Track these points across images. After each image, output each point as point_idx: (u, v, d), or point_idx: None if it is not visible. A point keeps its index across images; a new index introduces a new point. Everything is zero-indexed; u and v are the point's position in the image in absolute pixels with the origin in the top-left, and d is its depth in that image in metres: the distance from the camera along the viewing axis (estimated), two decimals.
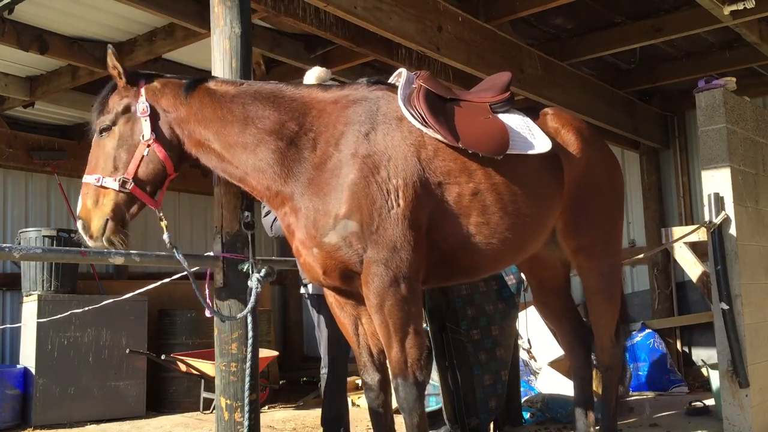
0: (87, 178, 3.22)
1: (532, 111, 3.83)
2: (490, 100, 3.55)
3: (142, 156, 3.20)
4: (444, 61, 5.71)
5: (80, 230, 3.21)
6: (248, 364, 3.37)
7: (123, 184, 3.16)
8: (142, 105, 3.24)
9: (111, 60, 3.27)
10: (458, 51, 5.51)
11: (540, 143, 3.50)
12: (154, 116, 3.24)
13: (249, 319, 3.37)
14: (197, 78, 3.37)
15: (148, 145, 3.21)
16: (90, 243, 3.18)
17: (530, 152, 3.45)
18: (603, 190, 3.93)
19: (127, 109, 3.26)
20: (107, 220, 3.14)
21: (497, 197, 3.30)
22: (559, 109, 4.08)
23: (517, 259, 3.79)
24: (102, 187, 3.17)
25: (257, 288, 3.36)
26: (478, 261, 3.41)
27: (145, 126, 3.22)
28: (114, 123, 3.26)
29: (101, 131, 3.26)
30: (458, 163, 3.24)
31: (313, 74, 4.42)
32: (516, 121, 3.54)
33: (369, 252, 3.02)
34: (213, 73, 3.63)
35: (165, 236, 3.28)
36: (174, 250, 3.29)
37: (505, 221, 3.32)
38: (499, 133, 3.36)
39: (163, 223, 3.29)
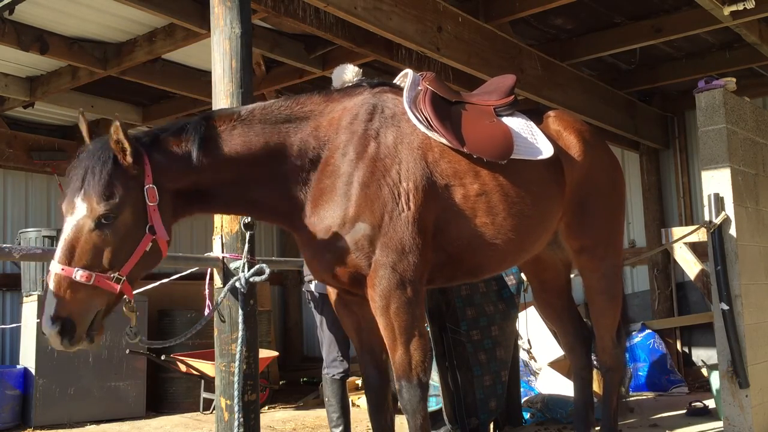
0: (74, 273, 2.60)
1: (535, 113, 3.85)
2: (495, 104, 3.57)
3: (144, 251, 2.75)
4: (444, 62, 5.71)
5: (54, 333, 2.56)
6: (237, 363, 3.35)
7: (117, 282, 2.68)
8: (151, 190, 2.74)
9: (117, 133, 2.69)
10: (458, 51, 5.51)
11: (542, 148, 3.53)
12: (160, 198, 2.78)
13: (240, 319, 3.36)
14: (199, 126, 2.94)
15: (153, 240, 2.77)
16: (66, 347, 2.61)
17: (533, 158, 3.47)
18: (604, 192, 3.95)
19: (136, 197, 2.73)
20: (93, 321, 2.66)
21: (501, 198, 3.32)
22: (561, 111, 4.10)
23: (520, 259, 3.81)
24: (92, 286, 2.63)
25: (241, 289, 3.35)
26: (482, 261, 3.43)
27: (156, 218, 2.76)
28: (119, 213, 2.69)
29: (101, 221, 2.66)
30: (463, 164, 3.26)
31: (350, 73, 4.29)
32: (519, 125, 3.56)
33: (377, 254, 3.02)
34: (213, 74, 3.62)
35: (130, 329, 2.85)
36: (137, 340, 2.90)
37: (508, 222, 3.34)
38: (503, 138, 3.39)
39: (133, 314, 2.82)
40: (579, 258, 3.96)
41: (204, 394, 7.12)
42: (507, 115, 3.58)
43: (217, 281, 3.53)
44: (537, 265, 4.24)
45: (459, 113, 3.39)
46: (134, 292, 2.79)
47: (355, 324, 3.49)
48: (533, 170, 3.49)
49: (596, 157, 3.90)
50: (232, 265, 3.45)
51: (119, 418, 6.93)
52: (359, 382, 6.59)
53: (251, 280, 3.36)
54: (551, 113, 3.94)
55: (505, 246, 3.37)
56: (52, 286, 2.62)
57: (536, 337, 6.73)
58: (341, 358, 4.62)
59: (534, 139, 3.54)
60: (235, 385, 3.33)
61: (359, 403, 6.78)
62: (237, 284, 3.35)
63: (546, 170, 3.56)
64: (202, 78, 6.74)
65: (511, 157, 3.35)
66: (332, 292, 3.51)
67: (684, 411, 5.93)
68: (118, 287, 2.68)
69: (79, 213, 2.68)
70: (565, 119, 3.92)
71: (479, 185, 3.26)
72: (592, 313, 4.15)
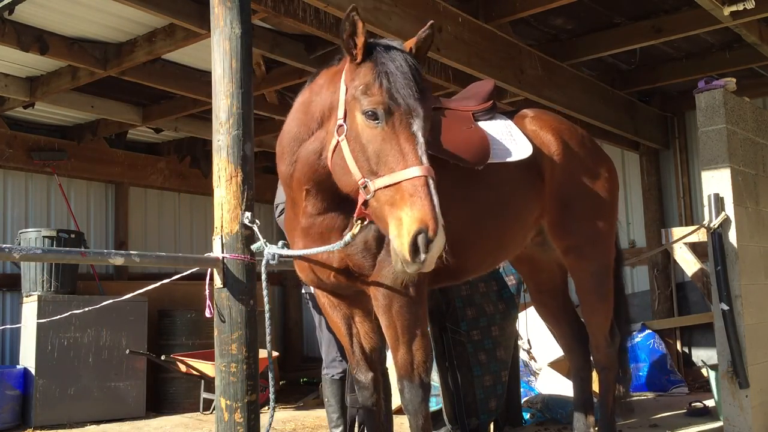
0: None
1: (514, 114, 3.90)
2: (473, 109, 3.61)
3: None
4: (444, 62, 5.71)
5: (432, 242, 2.40)
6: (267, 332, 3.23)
7: None
8: None
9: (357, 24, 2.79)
10: (458, 51, 5.51)
11: (521, 149, 3.57)
12: None
13: (265, 286, 3.23)
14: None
15: None
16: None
17: (509, 160, 3.51)
18: (588, 190, 3.95)
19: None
20: None
21: (480, 201, 3.38)
22: (540, 111, 4.12)
23: (500, 260, 3.91)
24: None
25: (271, 261, 3.18)
26: (463, 263, 3.46)
27: None
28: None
29: (369, 114, 2.65)
30: (445, 170, 3.27)
31: None
32: (498, 128, 3.60)
33: (382, 254, 3.05)
34: (213, 74, 3.62)
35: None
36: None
37: (487, 224, 3.41)
38: (480, 145, 3.42)
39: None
40: (567, 258, 3.99)
41: (204, 394, 7.12)
42: (487, 119, 3.61)
43: (217, 281, 3.52)
44: (532, 266, 4.26)
45: (438, 120, 3.41)
46: (137, 292, 2.76)
47: (346, 325, 3.50)
48: (510, 172, 3.54)
49: (577, 156, 3.91)
50: (253, 246, 3.33)
51: (119, 418, 6.93)
52: None
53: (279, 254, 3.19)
54: (529, 113, 3.96)
55: (484, 248, 3.45)
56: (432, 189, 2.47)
57: (536, 337, 6.73)
58: (340, 359, 4.62)
59: (513, 141, 3.57)
60: (230, 386, 3.31)
61: None
62: (266, 256, 3.18)
63: (522, 171, 3.61)
64: (202, 78, 6.74)
65: (488, 162, 3.38)
66: (321, 295, 3.52)
67: (684, 411, 5.93)
68: None
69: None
70: (543, 119, 3.94)
71: (459, 190, 3.31)
72: (583, 313, 4.18)
